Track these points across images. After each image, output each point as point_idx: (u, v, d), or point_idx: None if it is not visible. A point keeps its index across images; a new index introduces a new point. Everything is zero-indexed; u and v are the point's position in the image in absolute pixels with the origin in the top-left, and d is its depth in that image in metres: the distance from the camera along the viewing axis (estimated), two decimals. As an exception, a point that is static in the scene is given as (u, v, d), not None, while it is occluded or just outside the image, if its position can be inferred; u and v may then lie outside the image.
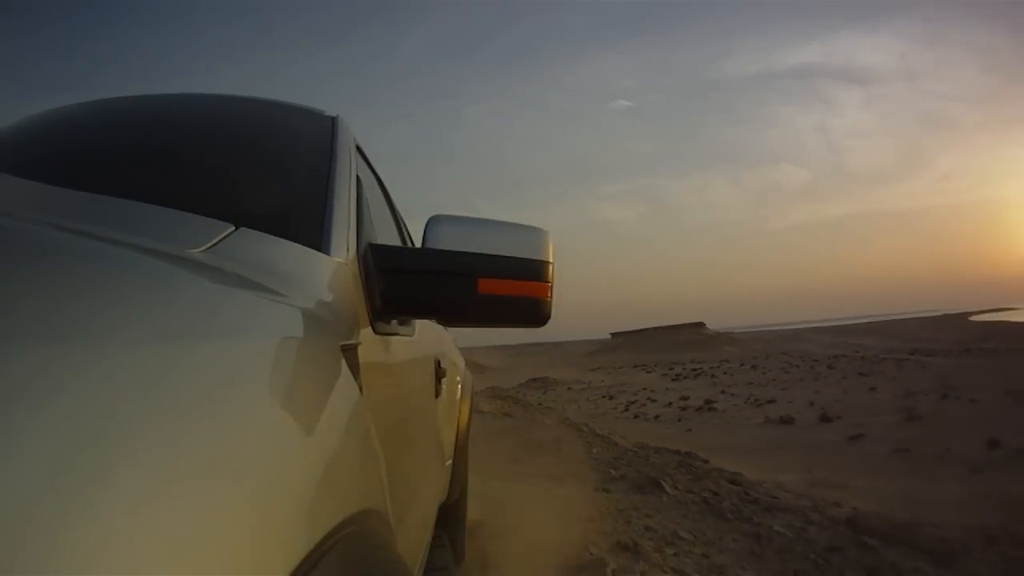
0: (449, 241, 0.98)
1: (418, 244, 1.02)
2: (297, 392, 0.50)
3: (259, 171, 1.17)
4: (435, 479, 1.80)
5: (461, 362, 2.76)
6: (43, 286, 0.32)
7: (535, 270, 1.00)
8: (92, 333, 0.32)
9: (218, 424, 0.36)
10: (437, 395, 1.73)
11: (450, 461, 2.26)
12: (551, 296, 1.02)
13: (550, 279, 1.02)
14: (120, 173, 1.08)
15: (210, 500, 0.32)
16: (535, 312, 1.01)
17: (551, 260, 1.03)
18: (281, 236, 0.85)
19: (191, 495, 0.31)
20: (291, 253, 0.84)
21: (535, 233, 1.04)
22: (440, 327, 1.71)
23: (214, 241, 0.68)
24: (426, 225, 1.01)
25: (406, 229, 2.22)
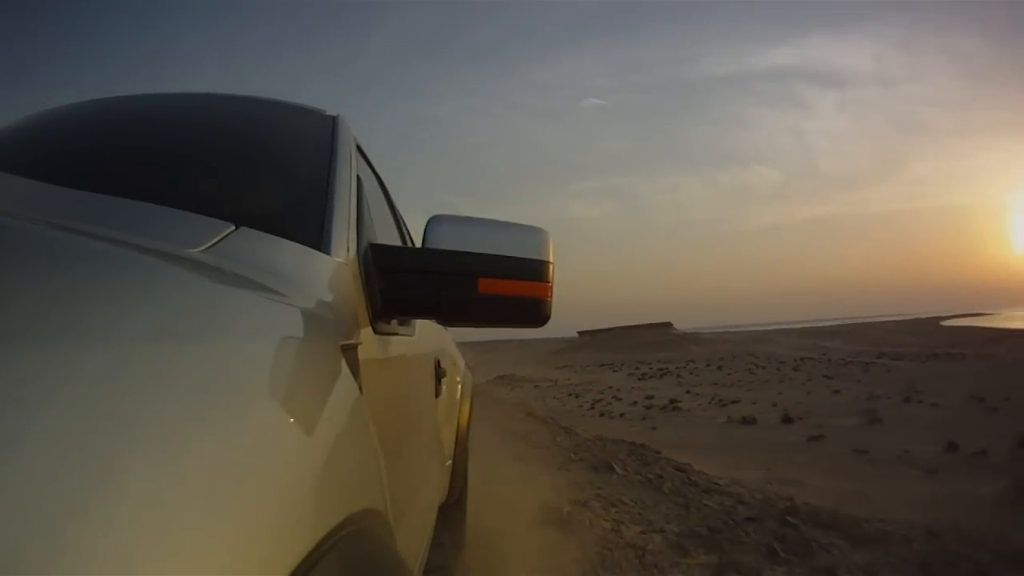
0: (449, 241, 0.98)
1: (418, 244, 1.02)
2: (297, 392, 0.50)
3: (259, 171, 1.17)
4: (435, 479, 1.80)
5: (461, 362, 2.76)
6: (43, 286, 0.31)
7: (535, 270, 1.00)
8: (92, 332, 0.32)
9: (218, 424, 0.36)
10: (437, 395, 1.73)
11: (450, 461, 2.26)
12: (551, 296, 1.02)
13: (550, 279, 1.02)
14: (120, 173, 1.08)
15: (210, 500, 0.32)
16: (535, 312, 1.01)
17: (551, 260, 1.03)
18: (281, 236, 0.85)
19: (191, 495, 0.31)
20: (291, 253, 0.84)
21: (535, 233, 1.03)
22: (440, 327, 1.71)
23: (214, 241, 0.68)
24: (426, 225, 1.01)
25: (406, 229, 2.22)
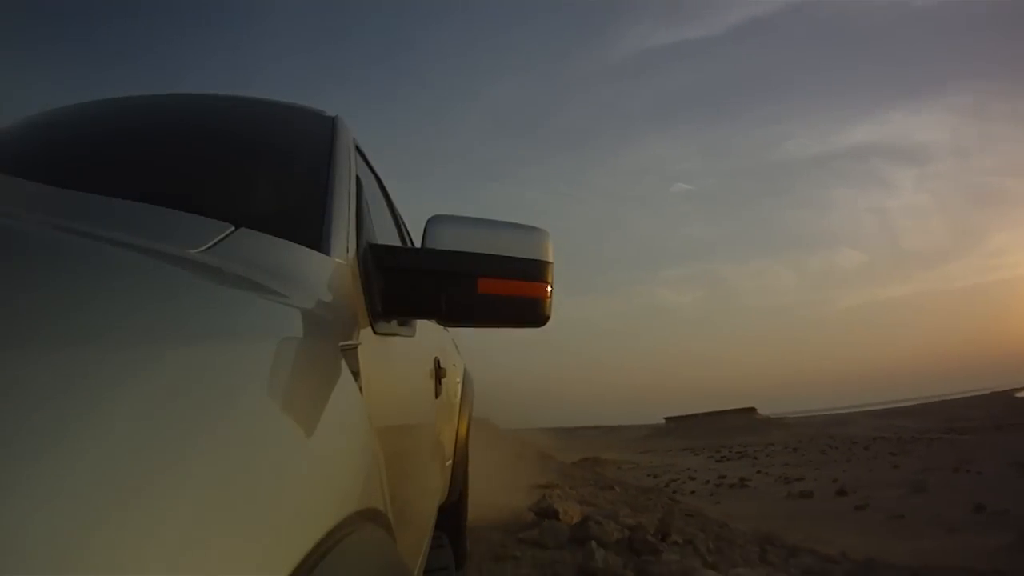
0: (449, 241, 0.98)
1: (418, 244, 1.02)
2: (297, 392, 0.50)
3: (259, 171, 1.17)
4: (435, 479, 1.80)
5: (461, 363, 2.76)
6: (43, 286, 0.31)
7: (535, 270, 1.00)
8: (92, 333, 0.32)
9: (218, 424, 0.36)
10: (437, 395, 1.73)
11: (450, 461, 2.26)
12: (551, 296, 1.02)
13: (550, 279, 1.02)
14: (120, 173, 1.08)
15: (210, 500, 0.32)
16: (535, 312, 1.01)
17: (551, 260, 1.03)
18: (281, 236, 0.85)
19: (191, 495, 0.31)
20: (291, 253, 0.84)
21: (535, 233, 1.03)
22: (440, 327, 1.71)
23: (214, 241, 0.68)
24: (426, 225, 1.01)
25: (406, 229, 2.22)
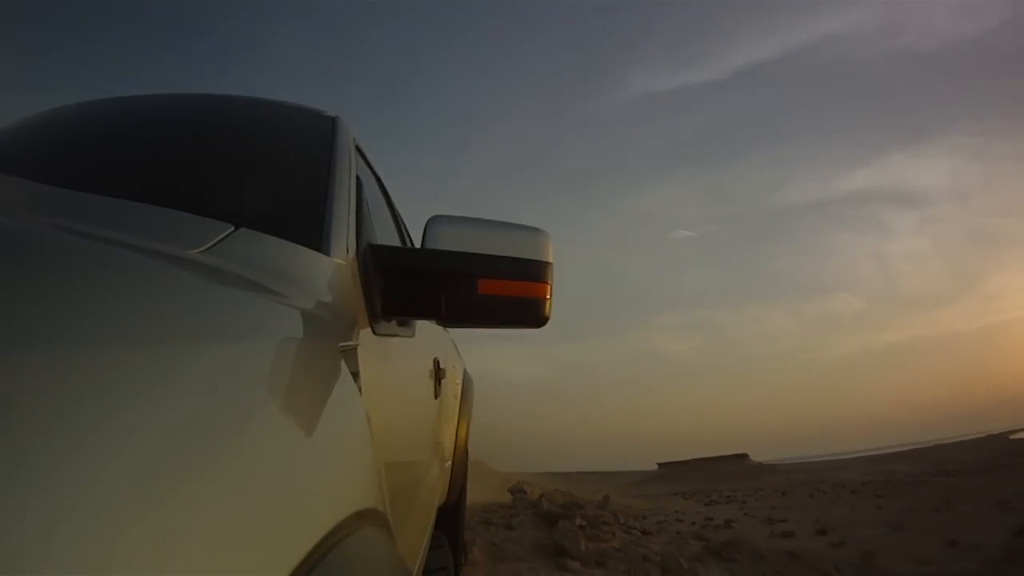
0: (449, 241, 0.98)
1: (418, 244, 1.02)
2: (297, 393, 0.50)
3: (259, 171, 1.17)
4: (435, 479, 1.80)
5: (461, 363, 2.75)
6: (43, 287, 0.31)
7: (535, 271, 1.00)
8: (92, 333, 0.32)
9: (218, 425, 0.36)
10: (437, 395, 1.73)
11: (449, 462, 2.26)
12: (550, 297, 1.02)
13: (549, 280, 1.02)
14: (120, 173, 1.08)
15: (210, 500, 0.32)
16: (534, 313, 1.01)
17: (550, 261, 1.03)
18: (281, 236, 0.85)
19: (191, 495, 0.31)
20: (291, 253, 0.84)
21: (535, 234, 1.03)
22: (440, 328, 1.71)
23: (214, 241, 0.68)
24: (426, 225, 1.01)
25: (406, 229, 2.22)
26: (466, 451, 2.71)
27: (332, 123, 1.36)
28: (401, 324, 1.18)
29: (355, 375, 0.74)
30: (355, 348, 0.79)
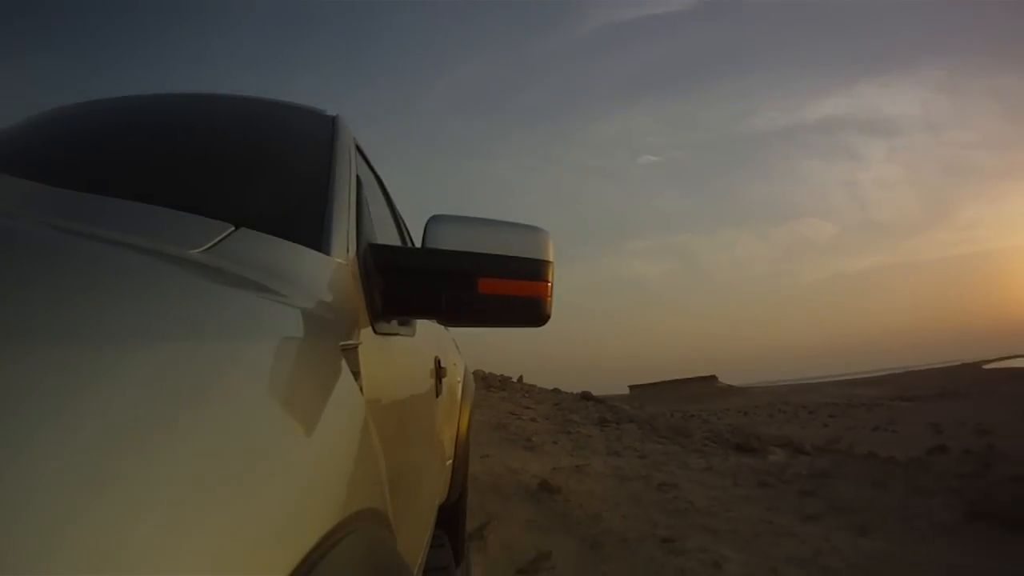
0: (449, 241, 0.98)
1: (418, 244, 1.02)
2: (297, 392, 0.50)
3: (259, 171, 1.17)
4: (435, 479, 1.80)
5: (462, 362, 2.76)
6: (43, 286, 0.31)
7: (535, 270, 1.00)
8: (92, 333, 0.32)
9: (218, 424, 0.36)
10: (437, 395, 1.73)
11: (450, 461, 2.26)
12: (551, 296, 1.02)
13: (550, 279, 1.02)
14: (120, 173, 1.08)
15: (210, 500, 0.32)
16: (535, 312, 1.01)
17: (551, 260, 1.03)
18: (281, 236, 0.85)
19: (191, 495, 0.31)
20: (291, 253, 0.84)
21: (535, 233, 1.03)
22: (440, 327, 1.70)
23: (214, 241, 0.68)
24: (426, 225, 1.01)
25: (406, 229, 2.22)
26: (467, 450, 2.71)
27: (332, 123, 1.36)
28: (402, 323, 1.18)
29: (356, 374, 0.74)
30: (356, 347, 0.79)
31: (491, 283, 0.98)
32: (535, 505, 4.28)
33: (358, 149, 1.45)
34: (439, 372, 1.77)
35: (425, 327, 1.55)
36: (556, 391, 12.46)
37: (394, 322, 1.09)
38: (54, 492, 0.24)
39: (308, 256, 0.87)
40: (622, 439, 8.11)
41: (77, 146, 1.23)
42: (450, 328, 2.23)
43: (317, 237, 0.93)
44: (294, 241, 0.87)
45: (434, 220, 1.01)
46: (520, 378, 12.70)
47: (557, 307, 1.04)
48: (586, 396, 11.59)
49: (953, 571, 3.33)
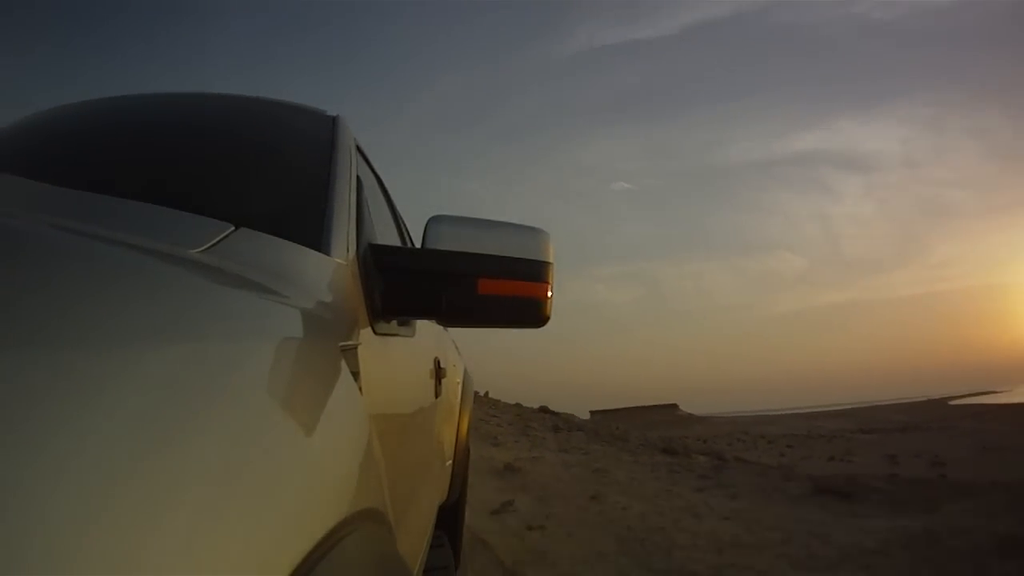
0: (449, 241, 0.98)
1: (418, 244, 1.02)
2: (297, 393, 0.50)
3: (259, 171, 1.17)
4: (435, 479, 1.80)
5: (462, 363, 2.76)
6: (43, 286, 0.31)
7: (535, 271, 1.00)
8: (92, 333, 0.32)
9: (218, 425, 0.36)
10: (437, 395, 1.73)
11: (450, 461, 2.26)
12: (551, 297, 1.02)
13: (550, 280, 1.02)
14: (120, 172, 1.08)
15: (210, 500, 0.32)
16: (535, 313, 1.01)
17: (551, 261, 1.03)
18: (281, 236, 0.85)
19: (191, 495, 0.31)
20: (291, 253, 0.84)
21: (535, 234, 1.03)
22: (440, 327, 1.71)
23: (214, 241, 0.68)
24: (426, 225, 1.01)
25: (406, 229, 2.22)
26: (467, 450, 2.71)
27: (332, 123, 1.36)
28: (401, 324, 1.18)
29: (355, 375, 0.74)
30: (355, 348, 0.79)
31: (491, 284, 0.98)
32: (501, 479, 5.99)
33: (358, 149, 1.45)
34: (439, 372, 1.77)
35: (425, 327, 1.55)
36: (518, 405, 15.24)
37: (394, 322, 1.09)
38: (54, 493, 0.24)
39: (308, 256, 0.87)
40: (571, 441, 10.40)
41: (77, 145, 1.23)
42: (450, 329, 2.23)
43: (317, 237, 0.93)
44: (294, 241, 0.87)
45: (434, 220, 1.01)
46: (487, 393, 14.80)
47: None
48: (544, 409, 14.23)
49: (797, 521, 4.71)
